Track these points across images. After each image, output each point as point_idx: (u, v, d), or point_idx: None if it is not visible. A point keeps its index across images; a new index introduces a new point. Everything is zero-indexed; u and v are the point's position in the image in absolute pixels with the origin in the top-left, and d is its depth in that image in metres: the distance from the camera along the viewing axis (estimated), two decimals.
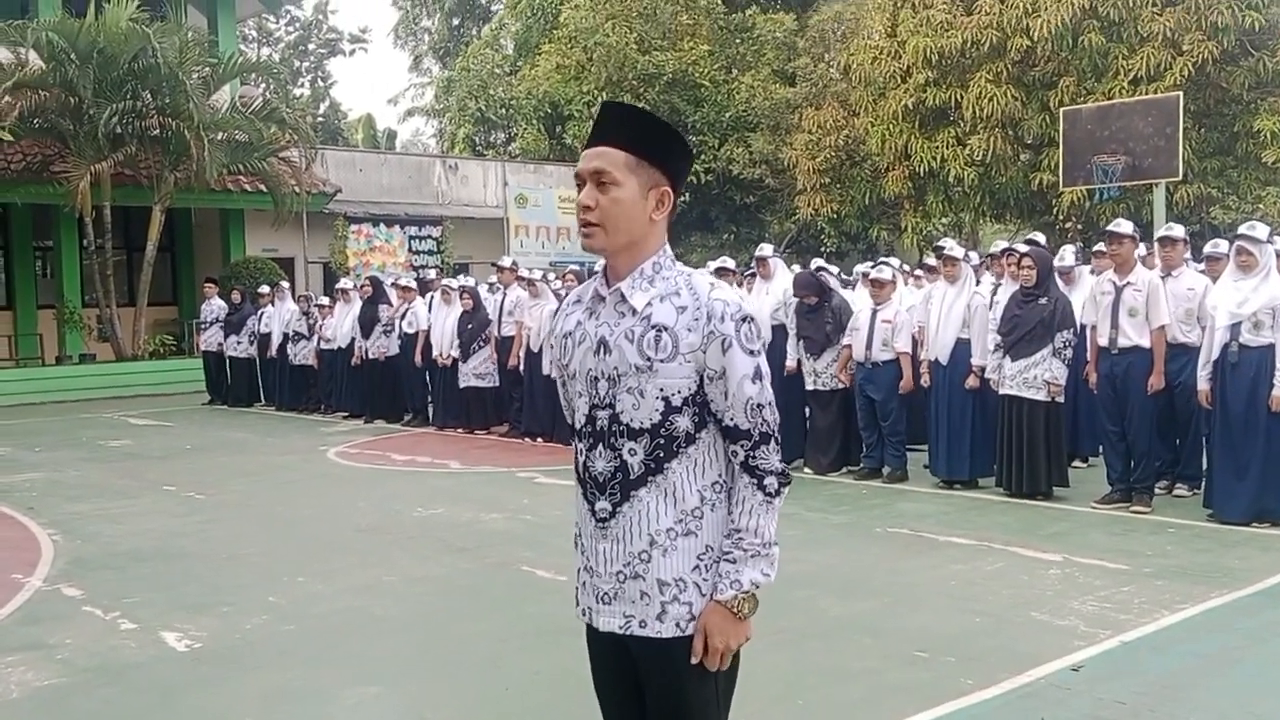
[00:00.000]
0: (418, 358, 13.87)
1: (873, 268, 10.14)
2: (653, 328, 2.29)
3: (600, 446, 2.35)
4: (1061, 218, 21.94)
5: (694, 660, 2.32)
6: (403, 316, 14.25)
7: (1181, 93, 18.08)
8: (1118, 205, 20.57)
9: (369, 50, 53.84)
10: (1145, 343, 7.88)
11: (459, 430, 13.36)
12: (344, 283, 16.36)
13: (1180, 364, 8.16)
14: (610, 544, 2.36)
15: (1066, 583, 6.18)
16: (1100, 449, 10.12)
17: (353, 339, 14.81)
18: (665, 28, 28.12)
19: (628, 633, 2.35)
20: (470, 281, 14.25)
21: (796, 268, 12.06)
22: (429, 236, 23.12)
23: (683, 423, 2.31)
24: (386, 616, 5.88)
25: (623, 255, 2.35)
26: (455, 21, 43.93)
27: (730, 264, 11.51)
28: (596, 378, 2.34)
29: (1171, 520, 7.70)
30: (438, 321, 13.71)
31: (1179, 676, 4.73)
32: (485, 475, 10.46)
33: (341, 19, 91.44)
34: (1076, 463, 9.60)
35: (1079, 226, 21.64)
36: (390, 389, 14.56)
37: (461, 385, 13.23)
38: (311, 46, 47.04)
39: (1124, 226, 8.07)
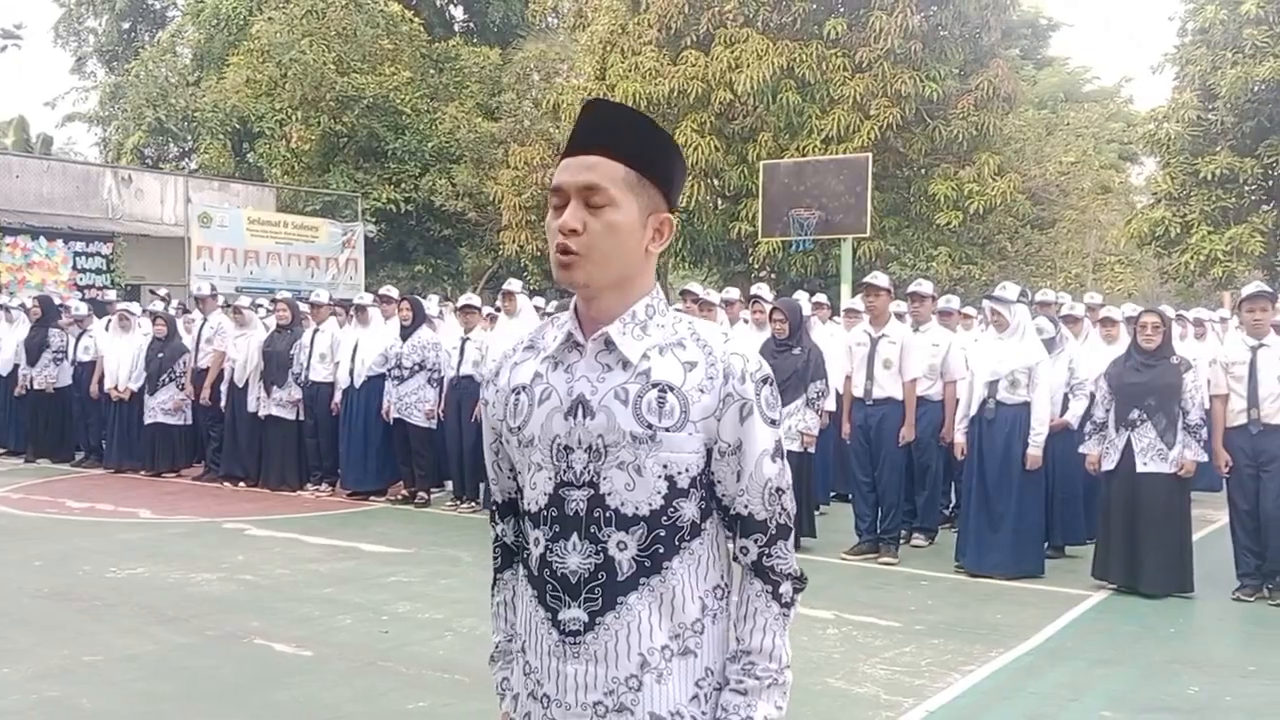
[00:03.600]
0: (94, 388, 12.30)
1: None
2: (654, 386, 1.76)
3: (574, 537, 1.77)
4: (756, 266, 22.72)
5: None
6: (78, 340, 12.64)
7: (870, 154, 19.18)
8: (807, 257, 21.57)
9: (23, 47, 48.80)
10: (898, 394, 7.97)
11: (141, 472, 11.90)
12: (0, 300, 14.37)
13: (919, 416, 8.29)
14: (584, 665, 1.78)
15: (848, 643, 6.01)
16: (829, 498, 10.33)
17: (15, 366, 12.95)
18: (365, 50, 27.02)
19: None
20: (159, 305, 12.83)
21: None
22: (98, 254, 20.86)
23: (688, 509, 1.78)
24: (96, 710, 4.84)
25: (609, 294, 1.80)
26: (125, 25, 40.46)
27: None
28: (569, 447, 1.77)
29: (921, 572, 7.78)
30: (114, 350, 12.24)
31: None
32: (185, 526, 9.23)
33: None
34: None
35: (772, 275, 22.46)
36: (59, 423, 12.83)
37: (147, 421, 11.80)
38: None
39: (881, 279, 8.15)
